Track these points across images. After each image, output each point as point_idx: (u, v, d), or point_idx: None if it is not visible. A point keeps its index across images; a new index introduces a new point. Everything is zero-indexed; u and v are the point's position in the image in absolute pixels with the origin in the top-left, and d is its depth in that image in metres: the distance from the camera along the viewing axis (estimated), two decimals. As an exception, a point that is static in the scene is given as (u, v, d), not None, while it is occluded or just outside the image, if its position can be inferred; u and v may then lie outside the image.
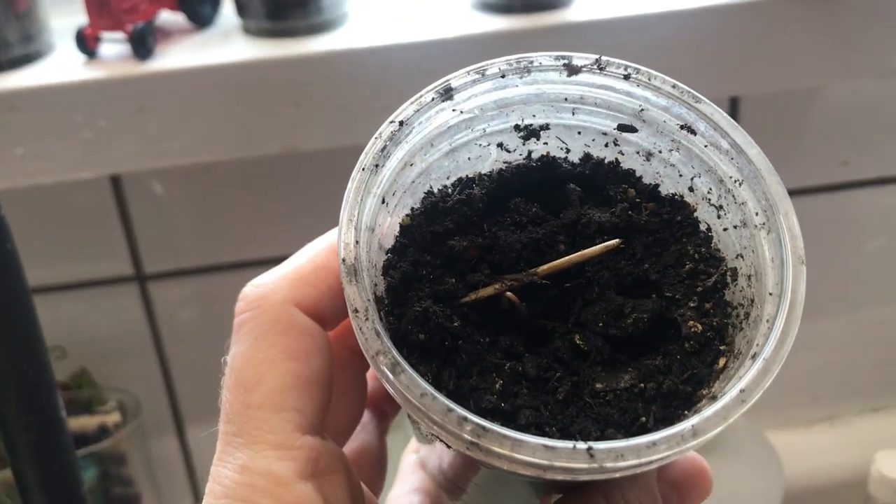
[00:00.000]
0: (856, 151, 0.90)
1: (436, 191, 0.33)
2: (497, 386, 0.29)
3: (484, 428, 0.25)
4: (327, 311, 0.32)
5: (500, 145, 0.34)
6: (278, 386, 0.31)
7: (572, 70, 0.33)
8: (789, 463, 0.96)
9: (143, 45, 0.71)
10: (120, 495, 0.86)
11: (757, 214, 0.31)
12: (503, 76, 0.32)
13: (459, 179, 0.34)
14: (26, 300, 0.49)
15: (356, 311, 0.27)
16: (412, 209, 0.32)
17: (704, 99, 0.32)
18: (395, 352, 0.26)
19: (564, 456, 0.25)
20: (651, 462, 0.25)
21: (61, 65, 0.73)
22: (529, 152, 0.34)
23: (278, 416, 0.30)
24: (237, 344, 0.32)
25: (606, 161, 0.34)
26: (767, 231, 0.30)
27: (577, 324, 0.31)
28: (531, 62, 0.32)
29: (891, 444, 0.92)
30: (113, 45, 0.73)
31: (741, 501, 0.79)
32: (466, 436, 0.25)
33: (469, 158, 0.34)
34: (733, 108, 0.83)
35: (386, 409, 0.41)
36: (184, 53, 0.73)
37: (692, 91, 0.32)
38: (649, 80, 0.33)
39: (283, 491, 0.29)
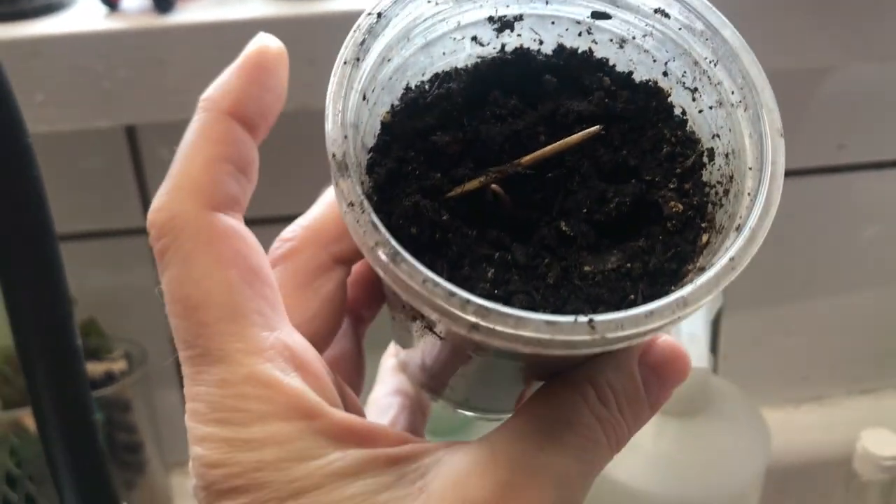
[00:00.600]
0: (853, 135, 0.92)
1: (413, 87, 0.33)
2: (489, 274, 0.29)
3: (487, 308, 0.26)
4: (252, 109, 0.32)
5: (474, 38, 0.34)
6: (225, 296, 0.30)
7: None
8: (777, 439, 0.98)
9: (164, -1, 0.73)
10: (124, 442, 0.89)
11: (733, 93, 0.31)
12: None
13: (436, 75, 0.33)
14: (47, 220, 0.50)
15: (351, 204, 0.27)
16: (392, 106, 0.32)
17: None
18: (393, 241, 0.27)
19: (566, 329, 0.26)
20: (647, 332, 0.26)
21: (83, 15, 0.75)
22: (503, 45, 0.34)
23: (238, 325, 0.30)
24: (168, 270, 0.31)
25: (580, 51, 0.34)
26: (745, 108, 0.31)
27: (561, 212, 0.32)
28: None
29: (877, 424, 0.94)
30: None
31: (726, 465, 0.81)
32: (470, 317, 0.26)
33: (444, 53, 0.34)
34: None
35: (363, 314, 0.41)
36: (203, 9, 0.75)
37: None
38: None
39: (271, 392, 0.29)
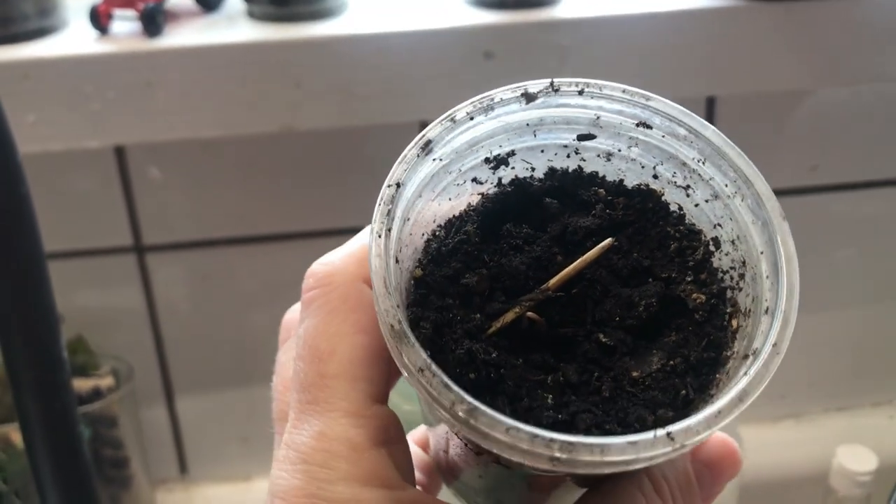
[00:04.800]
0: (826, 156, 0.94)
1: (432, 235, 0.35)
2: (549, 400, 0.31)
3: (571, 444, 0.27)
4: None
5: (474, 180, 0.36)
6: (350, 357, 0.33)
7: (529, 98, 0.35)
8: (754, 456, 1.00)
9: (153, 23, 0.75)
10: (110, 457, 0.90)
11: (727, 186, 0.33)
12: (471, 118, 0.34)
13: (449, 221, 0.36)
14: (34, 235, 0.52)
15: (421, 370, 0.29)
16: (419, 261, 0.34)
17: (655, 96, 0.35)
18: (468, 397, 0.28)
19: (648, 446, 0.27)
20: (716, 429, 0.28)
21: (74, 39, 0.77)
22: (499, 179, 0.36)
23: (351, 385, 0.32)
24: (310, 318, 0.34)
25: (570, 169, 0.37)
26: (742, 198, 0.33)
27: (594, 323, 0.34)
28: (492, 100, 0.34)
29: (853, 441, 0.96)
30: (124, 23, 0.77)
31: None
32: (556, 454, 0.27)
33: (450, 199, 0.36)
34: (710, 108, 0.88)
35: None
36: (191, 33, 0.77)
37: (642, 91, 0.35)
38: (601, 90, 0.35)
39: (358, 456, 0.31)
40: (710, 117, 0.86)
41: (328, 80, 0.75)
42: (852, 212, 0.98)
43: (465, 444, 0.34)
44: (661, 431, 0.28)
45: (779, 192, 0.30)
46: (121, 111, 0.75)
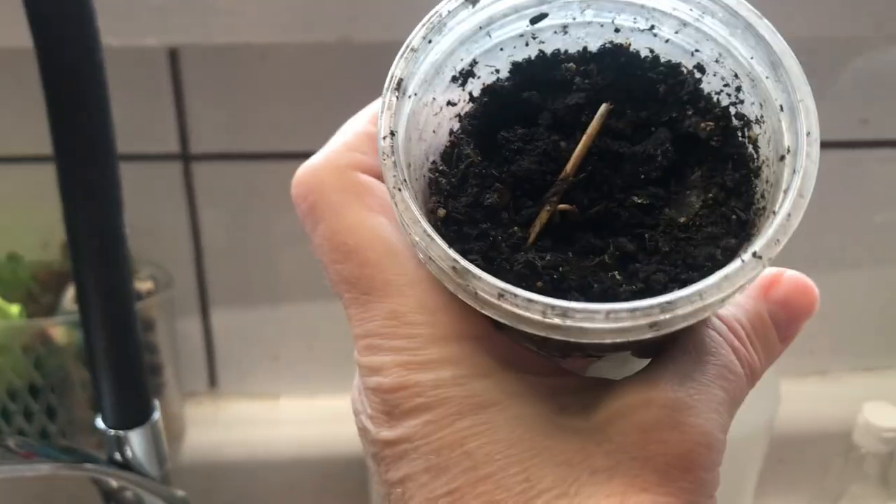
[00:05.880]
0: (876, 111, 0.94)
1: (432, 173, 0.35)
2: (617, 276, 0.31)
3: (670, 302, 0.28)
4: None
5: (448, 103, 0.36)
6: (379, 238, 0.33)
7: (474, 1, 0.34)
8: (781, 409, 1.00)
9: (219, -79, 0.74)
10: (145, 362, 0.90)
11: (691, 10, 0.33)
12: (429, 41, 0.34)
13: (442, 154, 0.35)
14: (105, 97, 0.52)
15: (501, 295, 0.29)
16: (437, 201, 0.34)
17: None
18: (557, 301, 0.29)
19: (741, 274, 0.28)
20: (790, 234, 0.29)
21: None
22: (470, 93, 0.36)
23: (398, 259, 0.33)
24: (321, 223, 0.34)
25: (533, 57, 0.36)
26: (711, 15, 0.33)
27: (622, 190, 0.34)
28: (441, 15, 0.34)
29: (879, 399, 0.96)
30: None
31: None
32: (659, 317, 0.28)
33: (434, 131, 0.35)
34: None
35: None
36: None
37: None
38: None
39: (439, 316, 0.32)
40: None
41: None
42: (898, 170, 0.98)
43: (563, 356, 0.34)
44: (745, 255, 0.28)
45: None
46: (180, 9, 0.75)
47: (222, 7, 0.75)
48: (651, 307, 0.28)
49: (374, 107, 0.36)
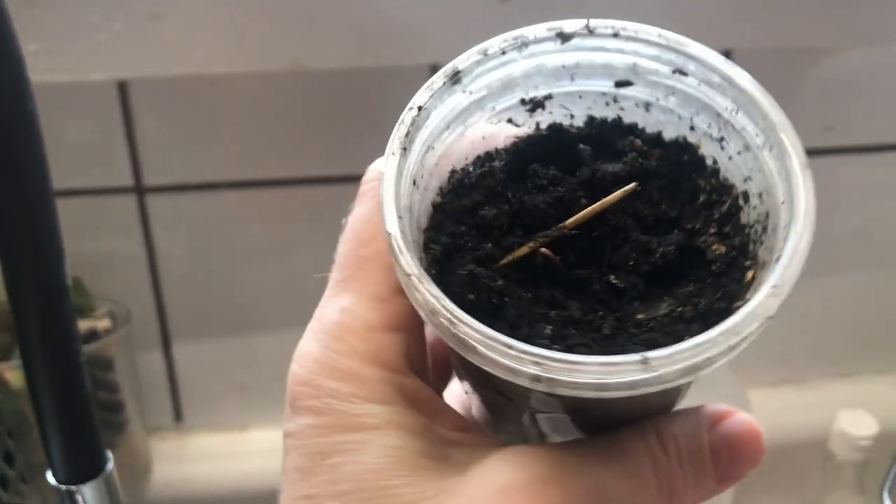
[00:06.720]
0: (841, 118, 0.93)
1: (458, 169, 0.35)
2: (547, 331, 0.31)
3: (547, 357, 0.27)
4: None
5: (509, 120, 0.36)
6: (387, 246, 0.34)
7: (564, 38, 0.34)
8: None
9: (161, -49, 0.72)
10: (106, 401, 0.88)
11: (757, 136, 0.33)
12: (504, 53, 0.34)
13: (478, 157, 0.36)
14: (41, 153, 0.50)
15: (408, 275, 0.29)
16: (440, 188, 0.35)
17: (689, 41, 0.34)
18: (451, 305, 0.29)
19: (622, 369, 0.27)
20: (702, 363, 0.28)
21: (80, -34, 0.75)
22: (537, 123, 0.36)
23: (383, 272, 0.33)
24: (359, 206, 0.35)
25: (609, 119, 0.36)
26: (770, 148, 0.32)
27: (610, 267, 0.33)
28: (526, 37, 0.34)
29: (854, 407, 0.96)
30: (131, -48, 0.75)
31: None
32: (530, 369, 0.28)
33: (483, 137, 0.36)
34: (727, 63, 0.86)
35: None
36: (200, -35, 0.75)
37: (677, 36, 0.34)
38: (636, 33, 0.34)
39: (370, 336, 0.33)
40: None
41: (340, 19, 0.74)
42: (866, 176, 0.97)
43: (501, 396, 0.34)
44: (635, 356, 0.27)
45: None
46: (127, 43, 0.73)
47: (169, 42, 0.73)
48: (524, 354, 0.28)
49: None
